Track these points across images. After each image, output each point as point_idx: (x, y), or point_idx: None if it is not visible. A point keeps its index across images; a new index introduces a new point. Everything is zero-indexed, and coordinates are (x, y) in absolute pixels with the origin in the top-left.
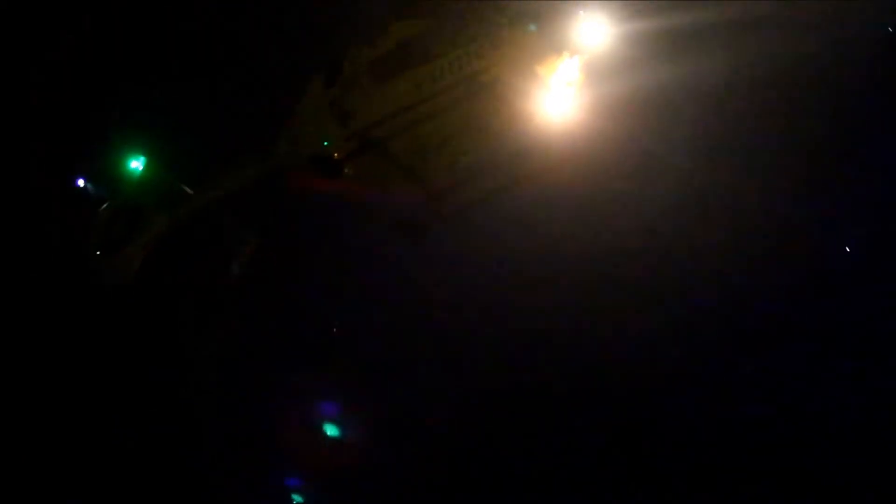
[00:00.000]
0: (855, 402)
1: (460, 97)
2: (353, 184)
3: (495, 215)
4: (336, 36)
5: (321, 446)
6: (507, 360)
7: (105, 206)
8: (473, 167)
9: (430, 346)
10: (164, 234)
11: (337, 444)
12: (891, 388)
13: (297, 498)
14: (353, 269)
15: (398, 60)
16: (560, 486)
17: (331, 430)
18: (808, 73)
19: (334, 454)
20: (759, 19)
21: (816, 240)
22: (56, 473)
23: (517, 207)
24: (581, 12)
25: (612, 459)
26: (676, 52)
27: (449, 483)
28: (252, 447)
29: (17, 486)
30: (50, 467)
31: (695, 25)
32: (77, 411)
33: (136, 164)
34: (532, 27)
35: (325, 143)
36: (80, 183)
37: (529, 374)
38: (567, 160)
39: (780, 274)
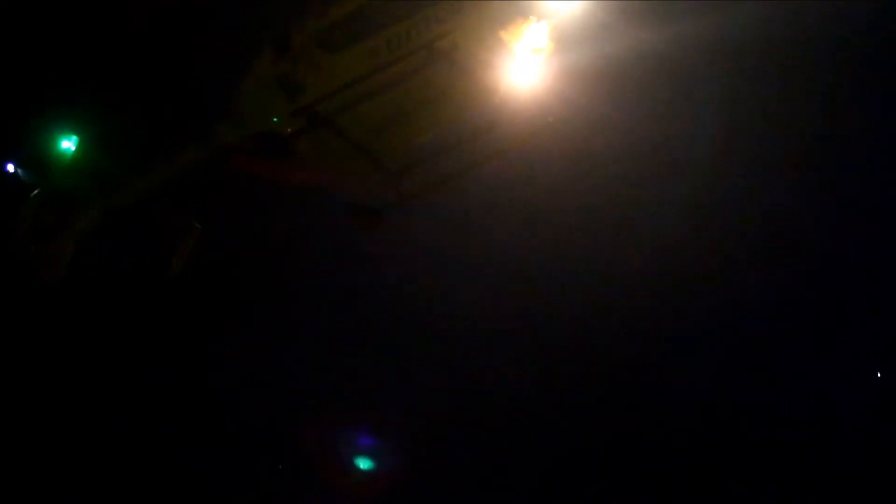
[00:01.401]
0: (856, 401)
1: (417, 66)
2: (303, 165)
3: (457, 198)
4: (285, 5)
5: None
6: (472, 359)
7: (35, 192)
8: (433, 145)
9: (385, 344)
10: (99, 224)
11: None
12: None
13: None
14: (304, 259)
15: (351, 29)
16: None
17: None
18: (795, 38)
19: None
20: None
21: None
22: None
23: (482, 189)
24: None
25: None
26: (655, 16)
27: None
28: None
29: None
30: None
31: None
32: None
33: (68, 145)
34: None
35: (274, 120)
36: (10, 168)
37: (498, 371)
38: (535, 136)
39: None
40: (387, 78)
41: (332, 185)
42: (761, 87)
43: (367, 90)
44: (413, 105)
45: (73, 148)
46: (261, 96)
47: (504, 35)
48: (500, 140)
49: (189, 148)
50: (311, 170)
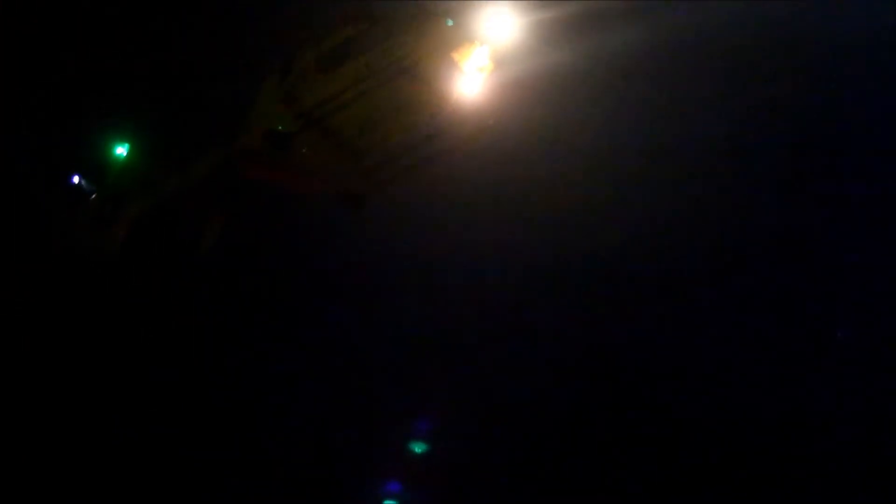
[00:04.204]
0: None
1: (389, 79)
2: (301, 166)
3: (418, 185)
4: (289, 41)
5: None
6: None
7: (95, 195)
8: (402, 143)
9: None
10: (145, 214)
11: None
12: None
13: None
14: (302, 234)
15: (340, 55)
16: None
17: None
18: (708, 54)
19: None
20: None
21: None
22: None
23: (435, 178)
24: (490, 8)
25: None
26: (574, 40)
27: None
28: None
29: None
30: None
31: (590, 16)
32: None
33: (121, 150)
34: (449, 21)
35: (279, 127)
36: (75, 179)
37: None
38: (479, 136)
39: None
40: (365, 87)
41: (322, 182)
42: (676, 97)
43: (351, 97)
44: (385, 112)
45: (125, 153)
46: (269, 107)
47: (455, 56)
48: (451, 139)
49: (214, 150)
50: (307, 169)
